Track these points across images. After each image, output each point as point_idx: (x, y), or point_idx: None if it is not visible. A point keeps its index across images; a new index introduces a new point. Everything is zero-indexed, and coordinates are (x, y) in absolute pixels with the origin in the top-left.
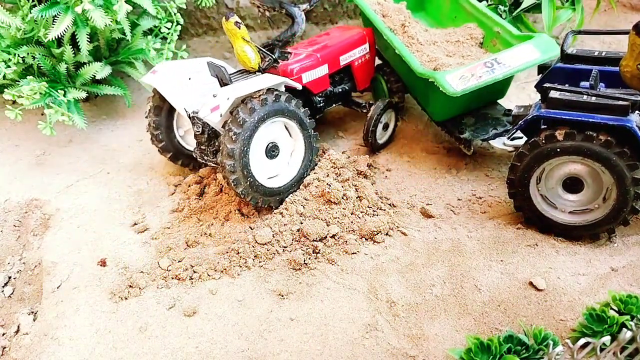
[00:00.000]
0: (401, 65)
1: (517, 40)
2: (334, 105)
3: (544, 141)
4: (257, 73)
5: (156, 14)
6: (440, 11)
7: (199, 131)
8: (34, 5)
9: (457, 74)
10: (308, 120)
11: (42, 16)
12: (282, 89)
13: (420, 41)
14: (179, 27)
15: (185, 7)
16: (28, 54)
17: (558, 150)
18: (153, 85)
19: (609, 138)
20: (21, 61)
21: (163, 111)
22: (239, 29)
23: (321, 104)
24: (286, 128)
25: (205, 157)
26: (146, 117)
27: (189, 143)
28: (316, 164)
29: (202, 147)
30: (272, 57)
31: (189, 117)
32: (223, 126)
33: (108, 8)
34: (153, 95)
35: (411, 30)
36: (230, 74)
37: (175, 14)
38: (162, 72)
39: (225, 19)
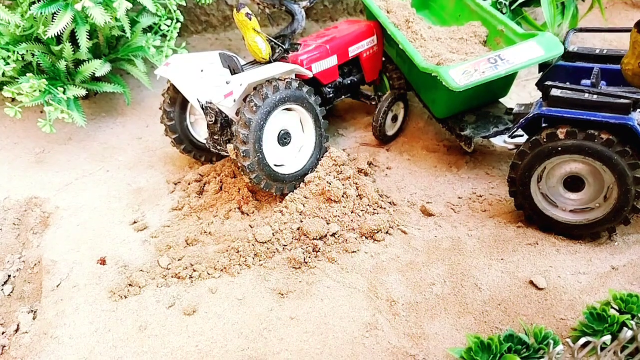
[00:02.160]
0: (404, 61)
1: (521, 38)
2: (343, 97)
3: (545, 139)
4: (268, 63)
5: (156, 11)
6: (445, 10)
7: (211, 121)
8: (33, 2)
9: (460, 68)
10: (322, 119)
11: (41, 13)
12: (307, 74)
13: (424, 37)
14: (178, 25)
15: (185, 4)
16: (27, 51)
17: (559, 148)
18: (166, 77)
19: (610, 137)
20: (20, 58)
21: (177, 103)
22: (250, 20)
23: (330, 95)
24: (300, 123)
25: (218, 147)
26: (160, 109)
27: (201, 135)
28: (315, 167)
29: (215, 137)
30: (282, 47)
31: (202, 108)
32: (236, 113)
33: (108, 5)
34: (167, 87)
35: (415, 26)
36: (242, 65)
37: (174, 11)
38: (175, 64)
39: (236, 11)
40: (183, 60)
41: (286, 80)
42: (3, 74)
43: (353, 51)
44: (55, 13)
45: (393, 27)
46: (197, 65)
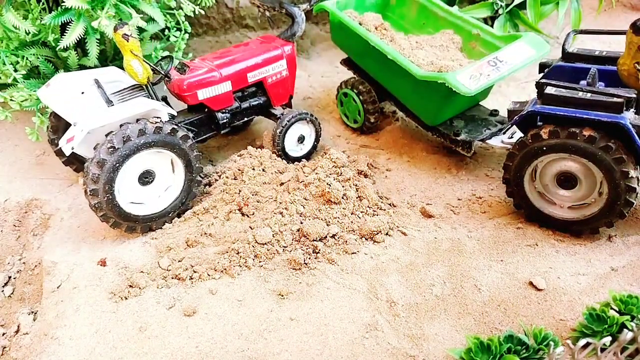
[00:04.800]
0: (386, 73)
1: (502, 40)
2: (246, 119)
3: (530, 140)
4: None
5: (165, 22)
6: (405, 19)
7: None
8: (44, 9)
9: (466, 73)
10: (198, 165)
11: (53, 23)
12: (163, 115)
13: (403, 47)
14: (186, 36)
15: (192, 16)
16: (34, 55)
17: (544, 148)
18: (42, 100)
19: (592, 133)
20: (28, 63)
21: (60, 128)
22: (127, 41)
23: (225, 120)
24: (172, 164)
25: None
26: (46, 121)
27: (88, 154)
28: (188, 209)
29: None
30: (160, 72)
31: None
32: (95, 147)
33: (121, 19)
34: (51, 112)
35: (395, 36)
36: (124, 88)
37: (183, 22)
38: (55, 85)
39: (114, 30)
40: (66, 81)
41: (156, 124)
42: (14, 80)
43: (254, 77)
44: (67, 23)
45: (378, 40)
46: (79, 87)
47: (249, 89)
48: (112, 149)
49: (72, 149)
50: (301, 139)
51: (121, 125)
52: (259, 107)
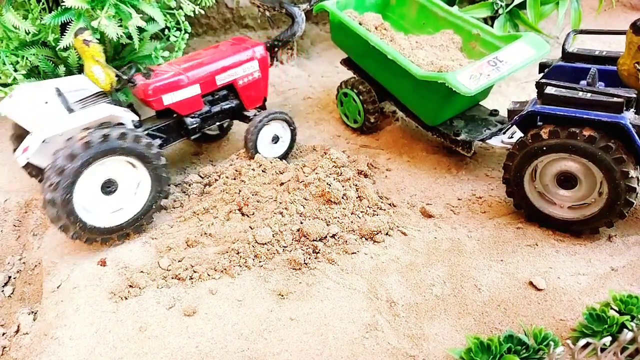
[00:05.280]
0: (386, 73)
1: (502, 40)
2: (217, 123)
3: (530, 140)
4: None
5: (165, 22)
6: (405, 18)
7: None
8: (44, 9)
9: (466, 74)
10: (152, 152)
11: (53, 22)
12: (127, 121)
13: (403, 47)
14: (186, 36)
15: (192, 15)
16: (34, 55)
17: (544, 148)
18: (4, 113)
19: (592, 133)
20: (28, 63)
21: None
22: (88, 47)
23: (194, 125)
24: (129, 163)
25: None
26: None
27: (40, 162)
28: (169, 193)
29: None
30: (122, 77)
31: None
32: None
33: (121, 19)
34: (13, 123)
35: (395, 36)
36: (88, 96)
37: (183, 22)
38: (17, 97)
39: (74, 36)
40: (29, 91)
41: (83, 139)
42: (14, 79)
43: (223, 79)
44: (67, 23)
45: (378, 40)
46: (42, 97)
47: (220, 92)
48: (53, 186)
49: (27, 159)
50: (276, 139)
51: (54, 154)
52: (231, 110)
